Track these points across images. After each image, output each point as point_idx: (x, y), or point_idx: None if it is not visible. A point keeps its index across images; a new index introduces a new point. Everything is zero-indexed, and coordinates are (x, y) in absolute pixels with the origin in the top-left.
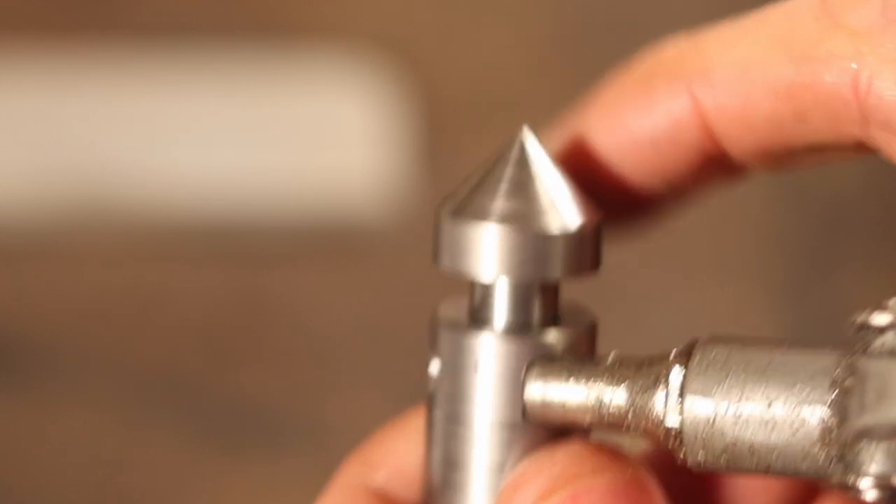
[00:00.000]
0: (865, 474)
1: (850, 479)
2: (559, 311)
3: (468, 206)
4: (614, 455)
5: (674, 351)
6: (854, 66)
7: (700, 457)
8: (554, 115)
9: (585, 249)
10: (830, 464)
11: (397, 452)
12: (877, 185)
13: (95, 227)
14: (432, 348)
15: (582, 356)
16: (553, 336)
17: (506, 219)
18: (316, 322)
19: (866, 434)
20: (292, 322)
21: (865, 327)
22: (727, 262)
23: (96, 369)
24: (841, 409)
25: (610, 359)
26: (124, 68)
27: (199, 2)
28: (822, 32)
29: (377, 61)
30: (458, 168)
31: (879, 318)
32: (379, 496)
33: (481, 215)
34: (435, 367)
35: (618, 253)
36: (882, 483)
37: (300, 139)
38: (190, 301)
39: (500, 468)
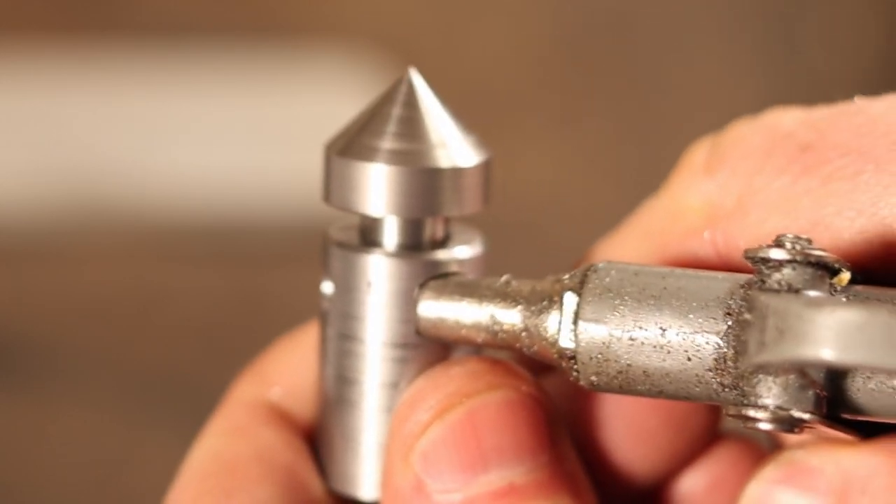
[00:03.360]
0: (763, 406)
1: (746, 409)
2: (450, 233)
3: (356, 145)
4: (509, 371)
5: (568, 275)
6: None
7: (593, 379)
8: (553, 116)
9: (473, 186)
10: (724, 390)
11: (291, 368)
12: None
13: (95, 227)
14: (324, 269)
15: (473, 277)
16: (444, 256)
17: (393, 158)
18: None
19: (765, 369)
20: (292, 322)
21: (761, 261)
22: None
23: (96, 369)
24: (738, 342)
25: (502, 279)
26: (124, 68)
27: (199, 2)
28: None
29: (377, 61)
30: None
31: (776, 253)
32: (275, 411)
33: (369, 154)
34: (328, 287)
35: None
36: (778, 415)
37: (300, 139)
38: (190, 301)
39: (395, 385)
